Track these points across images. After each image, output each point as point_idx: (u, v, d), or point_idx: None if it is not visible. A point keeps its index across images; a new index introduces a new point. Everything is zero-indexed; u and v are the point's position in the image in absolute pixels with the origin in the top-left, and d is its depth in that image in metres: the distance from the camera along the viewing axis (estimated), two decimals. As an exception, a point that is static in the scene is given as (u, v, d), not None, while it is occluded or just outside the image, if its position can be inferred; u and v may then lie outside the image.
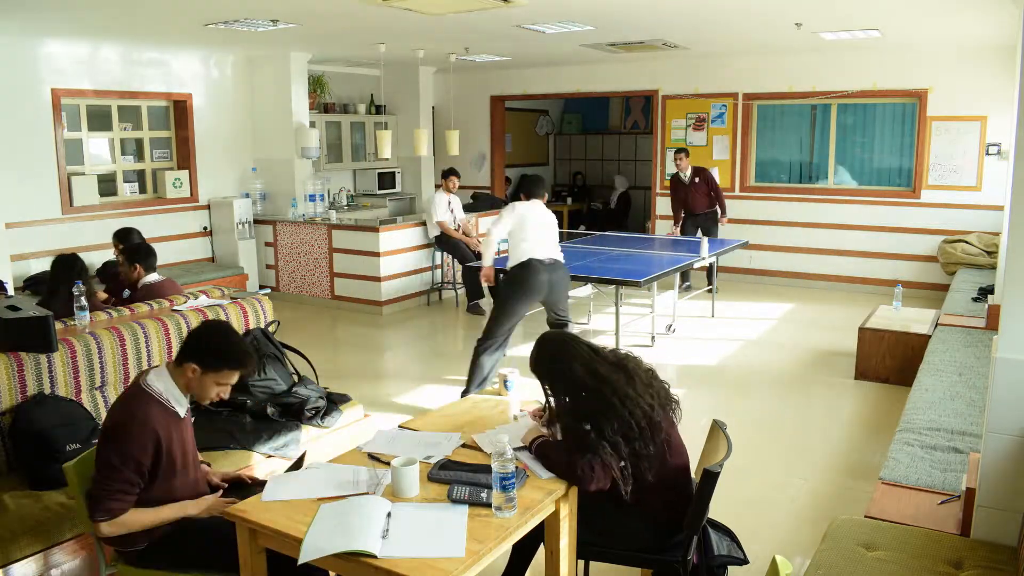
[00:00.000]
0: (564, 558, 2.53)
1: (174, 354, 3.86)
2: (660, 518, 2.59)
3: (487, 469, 2.36)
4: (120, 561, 2.54)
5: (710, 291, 8.07)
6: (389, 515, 2.24)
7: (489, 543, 2.15)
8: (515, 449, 2.69)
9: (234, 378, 2.54)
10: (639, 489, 2.56)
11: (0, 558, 2.74)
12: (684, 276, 8.48)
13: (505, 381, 3.29)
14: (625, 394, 2.50)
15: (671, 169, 9.87)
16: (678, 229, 8.75)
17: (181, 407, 2.55)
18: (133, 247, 4.66)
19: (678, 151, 8.60)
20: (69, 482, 2.57)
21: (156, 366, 2.60)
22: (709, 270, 8.13)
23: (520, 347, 6.73)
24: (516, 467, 2.34)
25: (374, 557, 2.05)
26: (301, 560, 2.10)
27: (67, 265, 4.45)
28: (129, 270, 4.53)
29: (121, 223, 7.67)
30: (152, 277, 4.54)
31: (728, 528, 2.74)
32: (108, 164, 8.00)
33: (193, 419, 2.79)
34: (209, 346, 2.49)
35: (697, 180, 8.53)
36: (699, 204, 8.57)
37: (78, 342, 3.52)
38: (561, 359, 2.60)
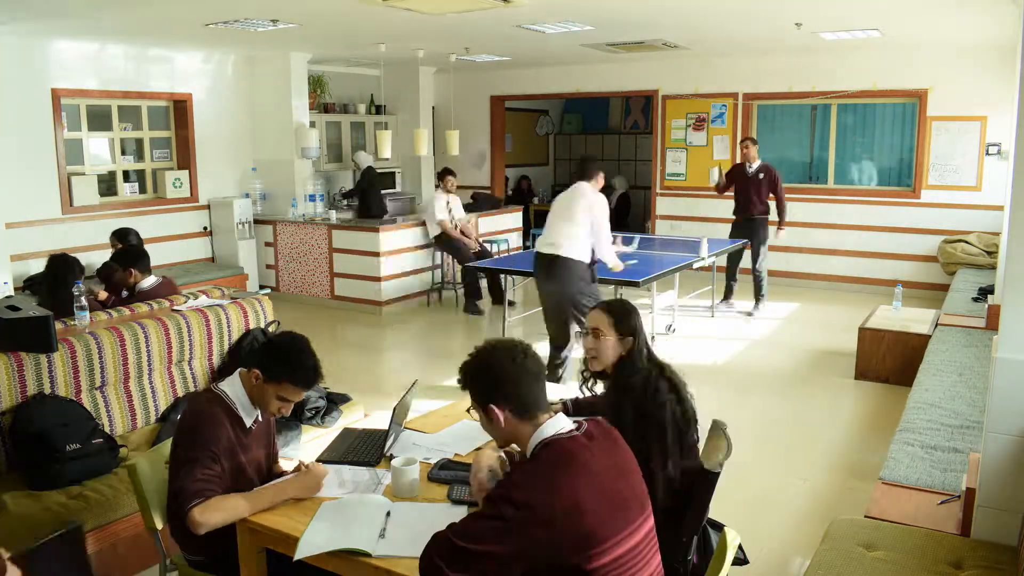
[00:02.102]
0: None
1: (174, 354, 3.88)
2: (660, 518, 2.59)
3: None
4: (183, 563, 2.51)
5: (708, 291, 8.07)
6: (388, 514, 2.24)
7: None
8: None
9: (297, 396, 2.46)
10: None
11: None
12: (728, 290, 8.02)
13: None
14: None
15: (671, 169, 9.90)
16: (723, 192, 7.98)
17: (248, 417, 2.49)
18: (123, 252, 4.66)
19: (745, 139, 7.84)
20: (134, 480, 2.50)
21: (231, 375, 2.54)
22: (756, 280, 7.82)
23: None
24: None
25: (369, 556, 2.05)
26: (297, 556, 2.10)
27: (63, 265, 4.45)
28: (124, 275, 4.52)
29: (121, 223, 7.67)
30: (149, 281, 4.52)
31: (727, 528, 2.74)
32: (108, 164, 8.00)
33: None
34: (277, 356, 2.43)
35: (762, 176, 7.65)
36: (759, 204, 7.70)
37: (78, 342, 3.51)
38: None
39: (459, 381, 2.03)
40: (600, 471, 1.86)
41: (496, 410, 1.94)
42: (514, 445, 2.05)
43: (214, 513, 2.24)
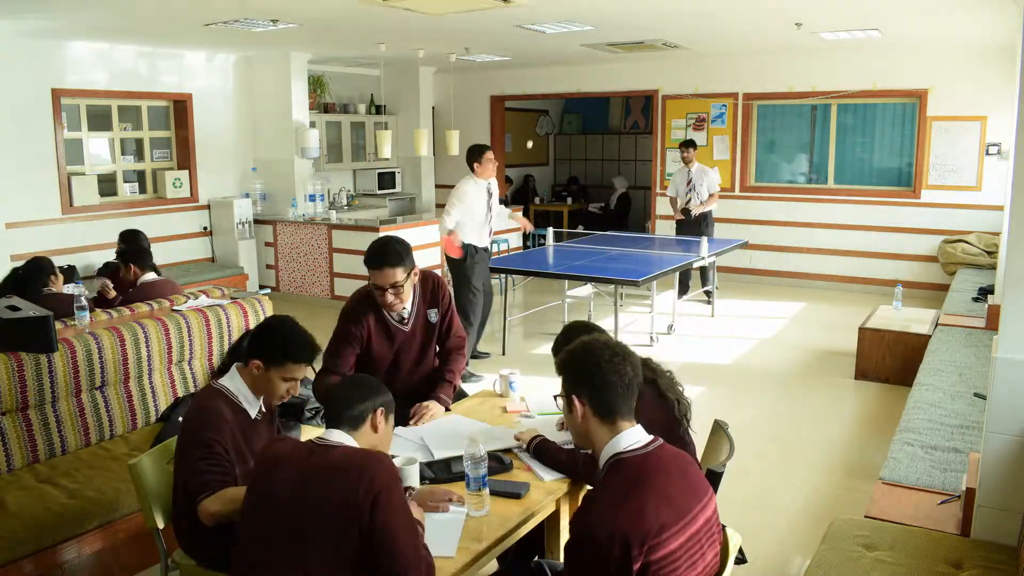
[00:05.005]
0: (563, 558, 2.52)
1: (174, 354, 3.88)
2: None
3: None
4: (192, 563, 2.50)
5: (708, 292, 8.08)
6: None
7: (487, 541, 2.15)
8: (521, 449, 2.70)
9: (300, 372, 2.49)
10: None
11: (0, 558, 2.74)
12: (684, 283, 8.17)
13: (510, 383, 3.29)
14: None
15: (671, 169, 9.89)
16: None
17: (252, 407, 2.50)
18: (125, 249, 4.68)
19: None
20: (135, 479, 2.47)
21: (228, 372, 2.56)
22: (704, 271, 8.07)
23: (523, 344, 6.73)
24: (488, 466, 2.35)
25: None
26: None
27: (32, 269, 4.45)
28: (125, 272, 4.55)
29: (121, 223, 7.69)
30: (150, 276, 4.56)
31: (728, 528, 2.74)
32: (108, 164, 8.00)
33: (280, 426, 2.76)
34: (272, 341, 2.46)
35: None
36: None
37: (78, 342, 3.52)
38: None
39: (558, 365, 2.04)
40: (673, 494, 1.81)
41: (576, 402, 1.93)
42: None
43: (225, 503, 2.25)
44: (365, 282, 3.22)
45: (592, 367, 1.91)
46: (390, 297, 3.05)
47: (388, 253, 3.02)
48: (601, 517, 1.74)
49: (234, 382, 2.51)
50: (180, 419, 3.63)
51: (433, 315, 3.26)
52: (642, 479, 1.81)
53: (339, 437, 2.02)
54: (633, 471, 1.83)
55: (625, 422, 1.91)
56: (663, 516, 1.75)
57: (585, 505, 1.83)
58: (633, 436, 1.90)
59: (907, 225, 8.65)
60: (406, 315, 3.20)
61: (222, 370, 2.57)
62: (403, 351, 3.23)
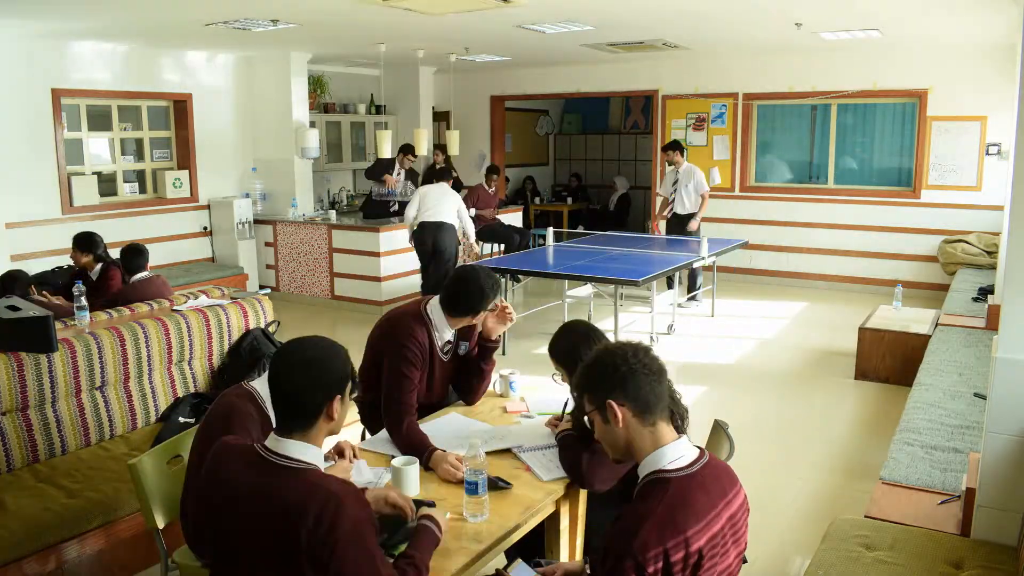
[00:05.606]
0: (564, 559, 2.53)
1: (174, 354, 3.88)
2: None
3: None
4: (194, 563, 2.47)
5: (708, 290, 8.08)
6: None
7: (487, 542, 2.15)
8: (525, 449, 2.70)
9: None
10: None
11: (0, 558, 2.74)
12: (692, 283, 8.17)
13: (510, 383, 3.28)
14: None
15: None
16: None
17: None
18: (125, 251, 4.67)
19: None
20: (135, 480, 2.45)
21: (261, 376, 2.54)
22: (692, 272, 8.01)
23: (523, 344, 6.73)
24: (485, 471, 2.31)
25: None
26: None
27: (6, 282, 4.46)
28: (77, 255, 4.56)
29: (121, 223, 7.72)
30: (143, 274, 4.55)
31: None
32: (108, 164, 7.99)
33: None
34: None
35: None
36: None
37: (78, 342, 3.52)
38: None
39: (574, 383, 1.89)
40: (712, 518, 1.73)
41: (616, 407, 1.77)
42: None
43: None
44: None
45: (621, 366, 1.77)
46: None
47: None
48: (650, 539, 1.65)
49: (265, 388, 2.48)
50: (180, 419, 3.66)
51: (464, 347, 3.16)
52: (688, 503, 1.71)
53: (295, 450, 1.79)
54: (679, 493, 1.72)
55: (664, 424, 1.80)
56: (702, 540, 1.70)
57: (627, 524, 1.70)
58: (677, 451, 1.78)
59: (907, 225, 8.65)
60: (448, 346, 3.09)
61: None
62: (432, 381, 3.09)
